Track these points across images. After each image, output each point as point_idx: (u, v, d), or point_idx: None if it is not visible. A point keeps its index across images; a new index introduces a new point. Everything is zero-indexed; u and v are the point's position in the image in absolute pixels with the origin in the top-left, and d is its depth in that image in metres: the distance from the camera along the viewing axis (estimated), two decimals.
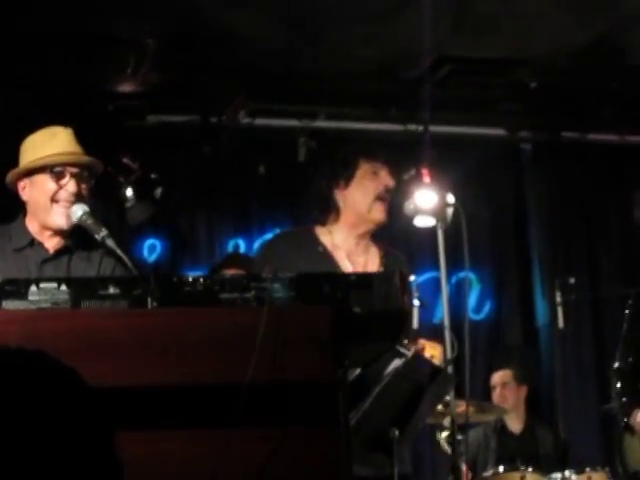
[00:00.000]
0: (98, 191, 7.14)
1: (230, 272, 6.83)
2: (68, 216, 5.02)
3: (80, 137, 5.27)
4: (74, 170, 5.06)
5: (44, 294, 3.44)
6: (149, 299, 3.45)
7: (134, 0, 7.75)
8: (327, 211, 5.50)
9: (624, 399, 6.85)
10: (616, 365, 6.89)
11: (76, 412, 1.74)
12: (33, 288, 3.45)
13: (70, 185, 5.03)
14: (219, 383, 3.24)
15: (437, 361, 5.17)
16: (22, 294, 3.44)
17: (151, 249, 9.94)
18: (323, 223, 5.52)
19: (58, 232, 5.11)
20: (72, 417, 1.73)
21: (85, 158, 5.15)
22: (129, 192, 9.15)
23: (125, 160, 9.05)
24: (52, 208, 5.04)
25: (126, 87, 9.07)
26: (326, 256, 5.38)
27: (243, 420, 3.17)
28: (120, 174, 9.09)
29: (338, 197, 5.47)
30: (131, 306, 3.44)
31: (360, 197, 5.44)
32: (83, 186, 5.09)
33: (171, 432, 2.98)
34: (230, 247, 10.17)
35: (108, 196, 9.03)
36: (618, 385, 6.90)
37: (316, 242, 5.45)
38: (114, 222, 8.46)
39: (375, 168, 5.49)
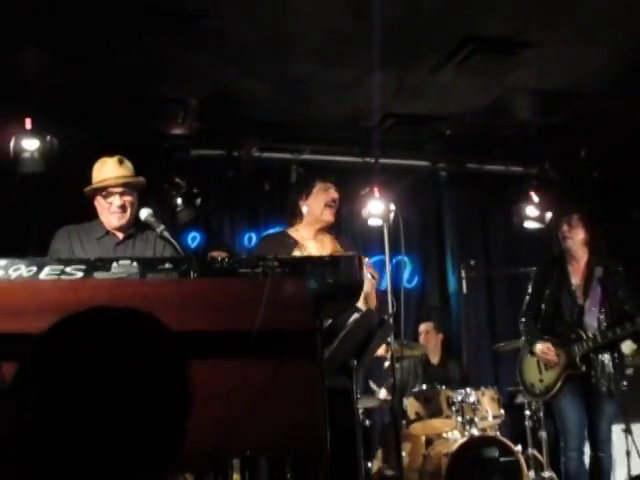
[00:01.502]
0: (158, 200, 7.12)
1: (216, 253, 6.82)
2: (119, 219, 5.14)
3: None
4: (116, 190, 5.11)
5: (122, 268, 3.44)
6: (192, 272, 3.46)
7: (184, 74, 7.75)
8: (294, 215, 5.63)
9: (529, 335, 6.95)
10: (522, 312, 6.99)
11: (168, 346, 1.75)
12: (114, 264, 3.45)
13: (115, 201, 5.12)
14: (239, 328, 3.24)
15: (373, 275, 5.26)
16: (107, 268, 3.44)
17: (193, 239, 9.93)
18: (292, 224, 5.69)
19: (118, 229, 5.21)
20: (168, 349, 1.74)
21: (120, 180, 5.15)
22: (179, 201, 9.17)
23: (176, 180, 9.06)
24: (109, 216, 5.15)
25: (177, 131, 9.06)
26: (297, 246, 5.50)
27: (255, 353, 3.18)
28: (172, 189, 9.10)
29: (301, 205, 5.58)
30: (180, 277, 3.45)
31: (315, 205, 5.58)
32: (126, 199, 5.16)
33: (208, 361, 2.98)
34: (245, 239, 10.16)
35: (165, 203, 9.05)
36: (522, 327, 7.03)
37: (288, 238, 5.57)
38: (169, 220, 8.44)
39: (326, 186, 5.61)
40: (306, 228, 5.64)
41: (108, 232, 5.22)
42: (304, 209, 5.62)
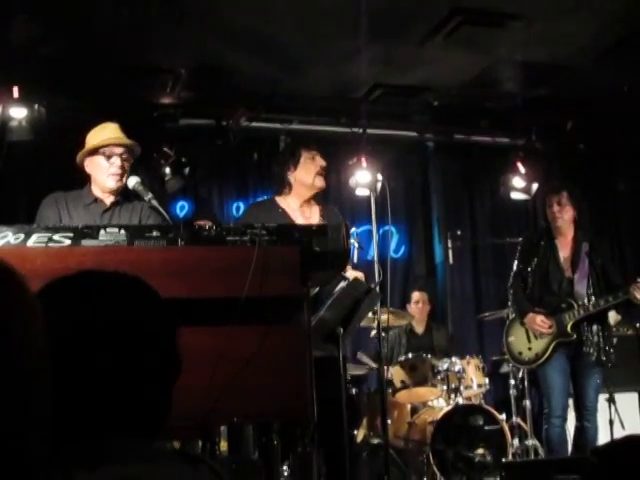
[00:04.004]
0: (147, 169, 7.10)
1: (201, 222, 6.79)
2: (117, 181, 5.13)
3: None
4: (117, 150, 5.11)
5: (109, 235, 3.44)
6: (179, 240, 3.45)
7: (173, 44, 7.71)
8: (282, 186, 5.59)
9: (519, 306, 7.09)
10: (511, 283, 7.14)
11: (159, 310, 1.75)
12: (102, 231, 3.44)
13: (116, 161, 5.11)
14: (226, 295, 3.24)
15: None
16: (95, 235, 3.43)
17: (181, 208, 9.91)
18: (280, 194, 5.65)
19: (112, 192, 5.17)
20: (159, 314, 1.74)
21: (124, 140, 5.18)
22: (167, 170, 9.12)
23: (165, 149, 9.02)
24: (106, 178, 5.11)
25: (166, 100, 9.02)
26: (284, 215, 5.49)
27: (242, 320, 3.18)
28: (161, 158, 9.06)
29: (290, 177, 5.56)
30: (168, 244, 3.44)
31: (305, 175, 5.55)
32: (125, 163, 5.17)
33: (195, 328, 2.99)
34: (234, 208, 10.14)
35: (153, 172, 9.03)
36: (511, 297, 7.19)
37: (276, 207, 5.57)
38: (157, 189, 8.42)
39: (312, 154, 5.59)
40: (295, 198, 5.63)
41: (96, 199, 5.22)
42: (292, 180, 5.60)
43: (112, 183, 5.13)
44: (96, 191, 5.22)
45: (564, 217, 6.90)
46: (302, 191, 5.60)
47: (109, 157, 5.10)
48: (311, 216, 5.61)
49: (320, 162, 5.60)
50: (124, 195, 5.23)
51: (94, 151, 5.15)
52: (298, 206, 5.60)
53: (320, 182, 5.58)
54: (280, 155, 5.86)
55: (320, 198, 5.82)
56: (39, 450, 1.27)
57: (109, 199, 5.22)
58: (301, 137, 9.21)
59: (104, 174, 5.14)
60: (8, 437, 1.19)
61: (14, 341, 1.23)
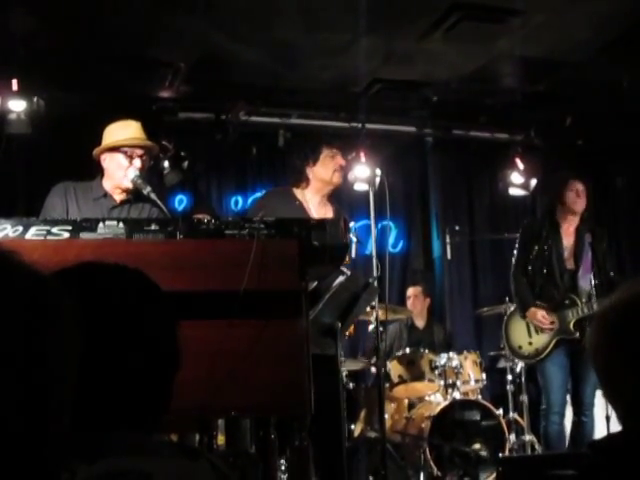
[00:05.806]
0: None
1: (199, 215, 6.78)
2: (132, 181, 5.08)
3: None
4: (139, 152, 5.12)
5: (108, 229, 3.44)
6: (178, 233, 3.45)
7: (172, 38, 7.69)
8: (300, 180, 5.61)
9: (518, 299, 7.06)
10: (513, 272, 7.08)
11: (160, 301, 1.75)
12: (101, 225, 3.44)
13: (136, 162, 5.10)
14: (225, 289, 3.24)
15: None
16: (93, 228, 3.43)
17: (180, 202, 9.90)
18: (297, 186, 5.66)
19: (124, 190, 5.13)
20: (159, 305, 1.74)
21: (147, 143, 5.21)
22: (166, 164, 9.09)
23: (163, 142, 8.99)
24: (124, 177, 5.10)
25: (165, 94, 9.00)
26: (300, 208, 5.52)
27: (241, 313, 3.19)
28: (160, 151, 9.05)
29: (308, 171, 5.58)
30: (166, 238, 3.44)
31: (323, 171, 5.58)
32: (144, 164, 5.16)
33: (193, 321, 2.98)
34: (232, 202, 10.14)
35: (152, 166, 9.01)
36: (514, 288, 7.10)
37: (294, 198, 5.61)
38: (156, 183, 8.41)
39: (333, 153, 5.61)
40: (312, 192, 5.68)
41: (106, 194, 5.21)
42: (310, 175, 5.65)
43: (129, 183, 5.11)
44: (107, 186, 5.21)
45: (581, 203, 6.87)
46: (319, 186, 5.66)
47: (130, 157, 5.11)
48: (325, 213, 5.64)
49: (340, 161, 5.65)
50: (135, 195, 5.22)
51: (115, 147, 5.15)
52: (315, 201, 5.65)
53: (338, 178, 5.66)
54: (300, 149, 5.87)
55: (334, 199, 5.86)
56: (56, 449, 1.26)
57: (120, 196, 5.20)
58: (300, 132, 9.23)
59: (120, 172, 5.13)
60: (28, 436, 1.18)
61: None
